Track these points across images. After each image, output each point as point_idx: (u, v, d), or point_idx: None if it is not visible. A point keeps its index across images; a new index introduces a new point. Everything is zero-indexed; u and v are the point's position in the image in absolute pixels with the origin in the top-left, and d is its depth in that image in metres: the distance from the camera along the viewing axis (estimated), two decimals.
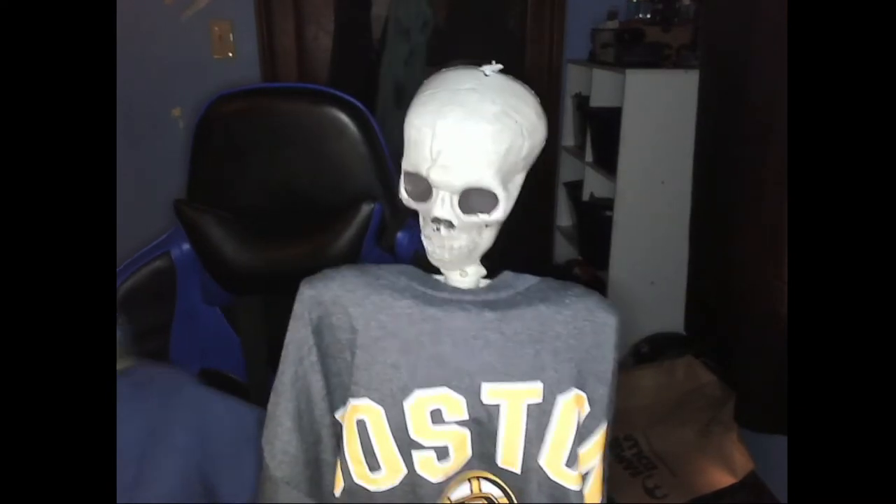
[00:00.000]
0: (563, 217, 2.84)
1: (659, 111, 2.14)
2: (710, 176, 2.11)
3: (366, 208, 1.14)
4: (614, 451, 1.96)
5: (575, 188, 2.65)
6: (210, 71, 2.49)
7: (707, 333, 2.17)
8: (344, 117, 1.14)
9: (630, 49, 2.19)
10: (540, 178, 2.96)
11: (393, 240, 1.19)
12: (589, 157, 2.49)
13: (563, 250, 2.83)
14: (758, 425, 1.82)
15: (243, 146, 1.11)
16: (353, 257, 1.14)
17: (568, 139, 2.75)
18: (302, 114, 1.13)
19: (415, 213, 0.98)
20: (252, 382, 1.23)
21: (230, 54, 2.49)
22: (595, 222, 2.41)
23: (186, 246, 1.16)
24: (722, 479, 1.83)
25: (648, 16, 2.35)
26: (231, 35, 2.48)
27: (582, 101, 2.56)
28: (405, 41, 2.55)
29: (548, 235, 2.87)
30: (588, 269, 2.57)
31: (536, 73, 2.69)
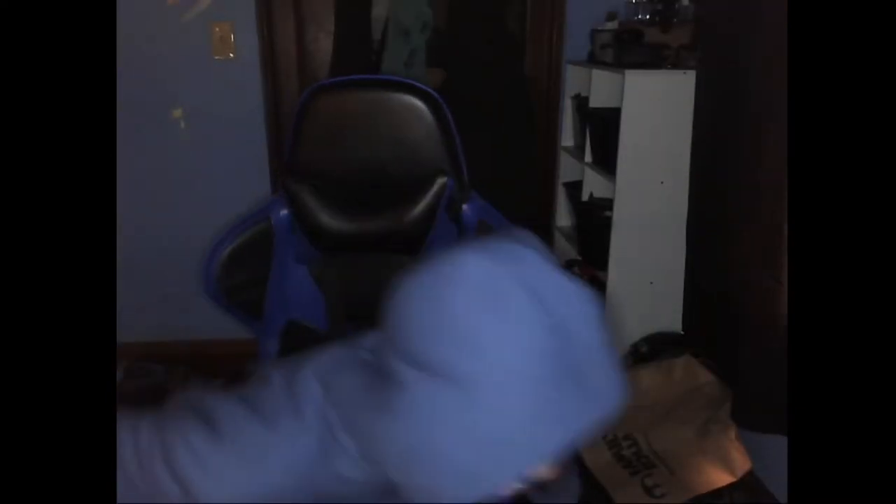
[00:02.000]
0: (563, 217, 2.85)
1: (658, 112, 2.14)
2: (709, 176, 2.11)
3: (440, 180, 1.33)
4: (613, 450, 1.96)
5: (574, 188, 2.65)
6: (210, 72, 2.50)
7: (705, 333, 2.17)
8: (421, 104, 1.32)
9: (629, 50, 2.20)
10: (539, 179, 2.98)
11: (459, 210, 1.36)
12: (588, 157, 2.49)
13: (563, 250, 2.83)
14: (756, 425, 1.82)
15: (336, 129, 1.32)
16: (428, 223, 1.34)
17: (567, 139, 2.75)
18: (386, 101, 1.33)
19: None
20: (332, 333, 1.39)
21: (231, 55, 2.50)
22: (594, 222, 2.41)
23: (284, 212, 1.34)
24: (720, 477, 1.83)
25: (647, 17, 2.35)
26: (232, 36, 2.48)
27: (581, 102, 2.56)
28: (405, 42, 2.56)
29: (547, 235, 2.87)
30: (587, 269, 2.57)
31: (536, 73, 2.70)
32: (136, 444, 0.73)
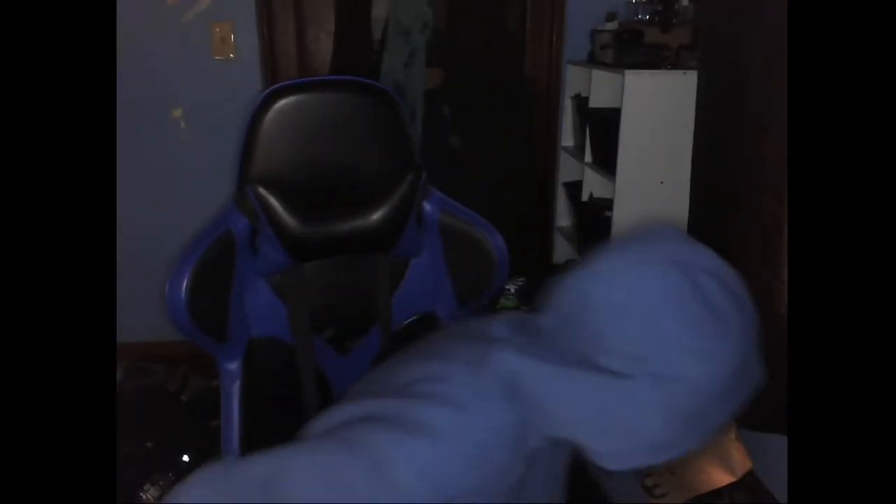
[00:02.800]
0: (563, 217, 2.85)
1: (658, 112, 2.14)
2: (709, 176, 2.11)
3: (409, 177, 1.32)
4: None
5: (574, 188, 2.65)
6: (210, 72, 2.50)
7: None
8: (373, 102, 1.32)
9: (629, 50, 2.20)
10: (539, 179, 2.99)
11: (420, 208, 1.37)
12: (588, 157, 2.49)
13: (563, 250, 2.83)
14: (756, 424, 1.82)
15: (291, 131, 1.29)
16: (401, 222, 1.33)
17: (567, 140, 2.76)
18: (339, 101, 1.32)
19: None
20: (298, 343, 1.35)
21: (231, 55, 2.50)
22: (594, 222, 2.41)
23: (243, 221, 1.28)
24: (720, 477, 1.83)
25: (647, 17, 2.35)
26: (232, 36, 2.48)
27: (581, 102, 2.57)
28: (405, 42, 2.55)
29: (547, 236, 2.87)
30: None
31: (536, 73, 2.70)
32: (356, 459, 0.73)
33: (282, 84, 1.31)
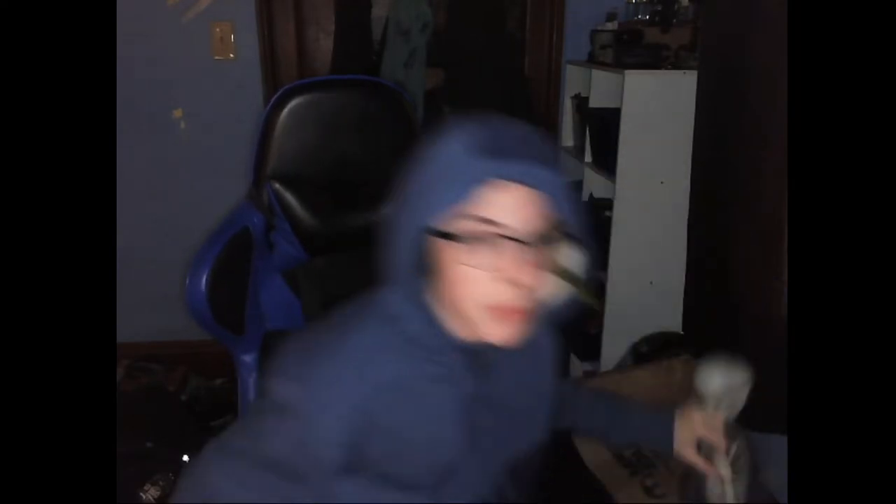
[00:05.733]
0: None
1: (658, 112, 2.14)
2: (709, 176, 2.11)
3: None
4: (613, 450, 1.96)
5: (574, 188, 2.65)
6: (210, 72, 2.50)
7: (705, 333, 2.17)
8: (384, 100, 1.35)
9: (629, 50, 2.19)
10: None
11: None
12: (588, 157, 2.49)
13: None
14: (756, 425, 1.82)
15: (305, 129, 1.32)
16: None
17: (567, 140, 2.76)
18: (351, 99, 1.36)
19: None
20: None
21: (231, 55, 2.50)
22: (594, 223, 2.41)
23: (259, 217, 1.31)
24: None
25: (647, 17, 2.35)
26: (232, 36, 2.48)
27: (581, 102, 2.57)
28: (405, 42, 2.55)
29: None
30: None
31: (536, 73, 2.70)
32: None
33: (295, 83, 1.32)
